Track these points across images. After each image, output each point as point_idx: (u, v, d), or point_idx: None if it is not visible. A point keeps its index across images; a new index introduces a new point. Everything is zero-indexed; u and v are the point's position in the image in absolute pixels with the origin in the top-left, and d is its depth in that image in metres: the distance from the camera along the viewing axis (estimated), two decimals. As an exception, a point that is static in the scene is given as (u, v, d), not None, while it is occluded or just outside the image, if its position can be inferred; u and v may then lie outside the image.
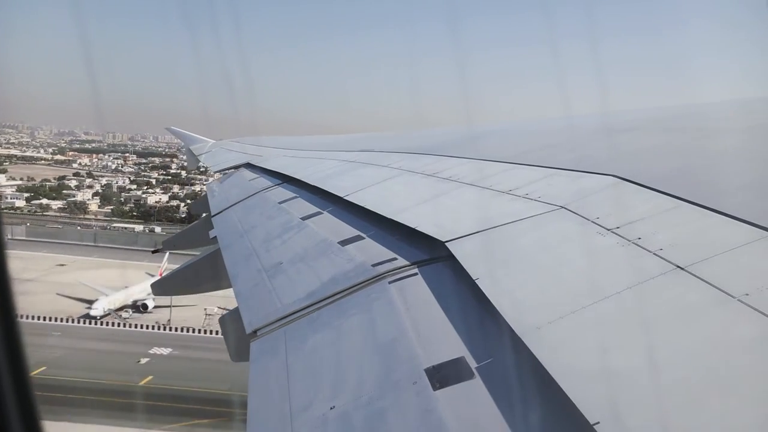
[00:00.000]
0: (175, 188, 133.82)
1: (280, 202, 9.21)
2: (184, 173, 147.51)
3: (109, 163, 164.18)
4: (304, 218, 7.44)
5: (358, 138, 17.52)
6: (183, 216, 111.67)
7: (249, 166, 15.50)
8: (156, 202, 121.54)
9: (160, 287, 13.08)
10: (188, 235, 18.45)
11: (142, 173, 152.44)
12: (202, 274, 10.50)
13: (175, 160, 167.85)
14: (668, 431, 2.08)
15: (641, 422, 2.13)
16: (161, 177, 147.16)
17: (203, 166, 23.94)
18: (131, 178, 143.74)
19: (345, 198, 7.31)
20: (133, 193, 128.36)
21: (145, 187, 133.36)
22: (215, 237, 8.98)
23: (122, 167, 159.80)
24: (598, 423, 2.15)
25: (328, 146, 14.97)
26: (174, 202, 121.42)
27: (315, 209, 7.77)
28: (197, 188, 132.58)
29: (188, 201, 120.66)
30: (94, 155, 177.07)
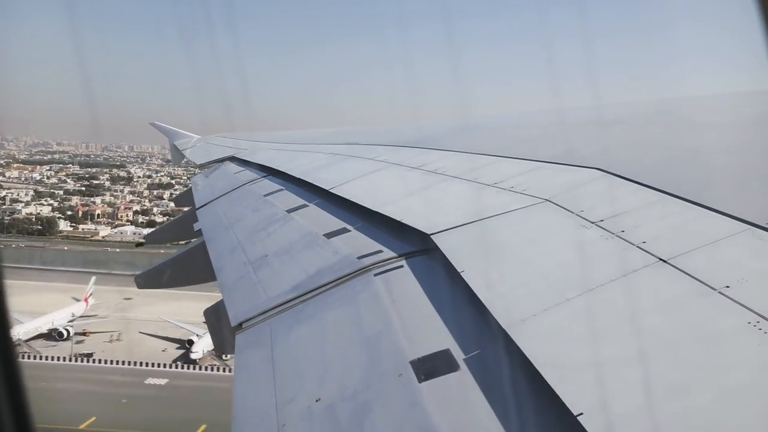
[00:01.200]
0: (75, 199, 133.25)
1: (265, 195, 9.18)
2: (108, 183, 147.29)
3: (36, 175, 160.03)
4: (289, 211, 7.42)
5: (344, 131, 17.49)
6: (38, 228, 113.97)
7: (234, 159, 15.44)
8: (29, 213, 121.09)
9: (144, 281, 12.95)
10: (172, 227, 18.34)
11: (58, 185, 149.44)
12: (187, 267, 10.45)
13: (114, 170, 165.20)
14: (651, 422, 2.10)
15: (624, 413, 2.15)
16: (75, 188, 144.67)
17: (188, 161, 23.81)
18: (36, 190, 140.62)
19: (330, 191, 7.31)
20: (16, 205, 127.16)
21: (44, 199, 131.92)
22: (200, 230, 8.94)
23: (47, 179, 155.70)
24: (581, 414, 2.17)
25: (313, 139, 14.93)
26: (52, 214, 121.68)
27: (301, 202, 7.76)
28: (98, 200, 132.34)
29: (68, 213, 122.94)
30: (36, 167, 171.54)
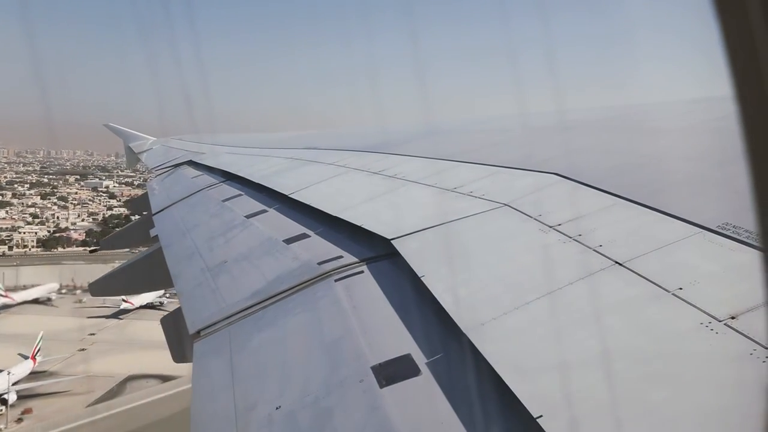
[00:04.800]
0: None
1: (223, 200, 9.06)
2: None
3: None
4: (248, 216, 7.34)
5: (304, 135, 17.41)
6: None
7: (192, 163, 15.21)
8: None
9: (98, 288, 12.66)
10: (128, 233, 17.96)
11: None
12: (143, 274, 10.24)
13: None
14: (609, 424, 2.14)
15: (582, 415, 2.18)
16: None
17: (143, 164, 23.37)
18: None
19: (290, 196, 7.25)
20: None
21: None
22: (156, 236, 8.77)
23: None
24: (540, 416, 2.19)
25: (272, 144, 14.82)
26: None
27: (260, 207, 7.68)
28: None
29: None
30: None
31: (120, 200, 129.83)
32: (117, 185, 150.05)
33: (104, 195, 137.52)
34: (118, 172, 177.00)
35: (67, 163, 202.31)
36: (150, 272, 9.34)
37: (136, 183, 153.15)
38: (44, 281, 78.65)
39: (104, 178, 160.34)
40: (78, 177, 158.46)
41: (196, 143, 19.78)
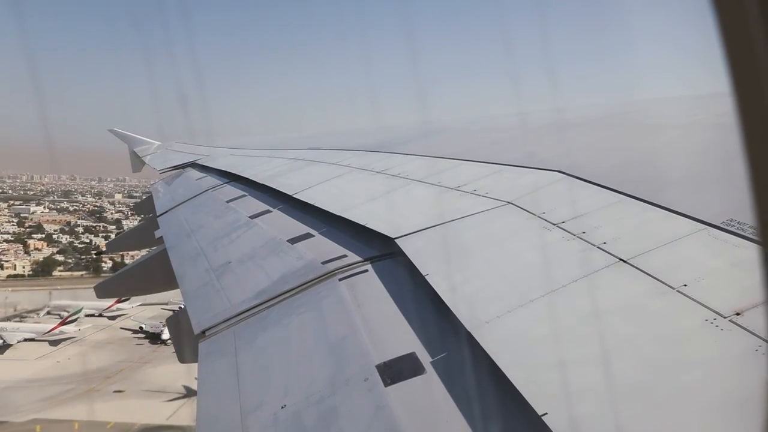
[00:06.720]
0: None
1: (227, 201, 9.08)
2: None
3: None
4: (252, 217, 7.35)
5: (306, 136, 17.41)
6: None
7: (195, 165, 15.24)
8: None
9: (104, 290, 12.68)
10: (133, 235, 18.02)
11: None
12: (148, 275, 10.27)
13: None
14: (614, 421, 2.13)
15: (587, 412, 2.18)
16: None
17: (148, 168, 23.40)
18: None
19: (294, 196, 7.26)
20: None
21: None
22: (161, 237, 8.79)
23: None
24: (546, 414, 2.19)
25: (275, 145, 14.83)
26: None
27: (263, 207, 7.69)
28: None
29: None
30: None
31: (23, 228, 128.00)
32: (47, 211, 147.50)
33: (14, 222, 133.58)
34: (75, 197, 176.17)
35: (39, 188, 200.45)
36: (155, 273, 9.36)
37: (71, 208, 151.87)
38: None
39: (42, 204, 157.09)
40: (13, 203, 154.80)
41: (200, 146, 19.82)
